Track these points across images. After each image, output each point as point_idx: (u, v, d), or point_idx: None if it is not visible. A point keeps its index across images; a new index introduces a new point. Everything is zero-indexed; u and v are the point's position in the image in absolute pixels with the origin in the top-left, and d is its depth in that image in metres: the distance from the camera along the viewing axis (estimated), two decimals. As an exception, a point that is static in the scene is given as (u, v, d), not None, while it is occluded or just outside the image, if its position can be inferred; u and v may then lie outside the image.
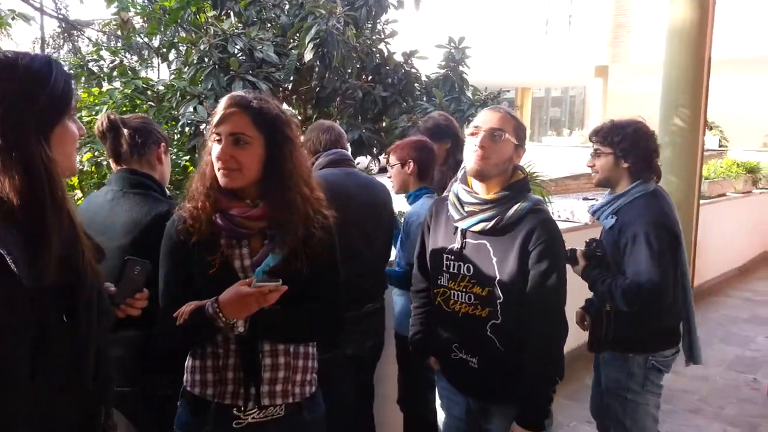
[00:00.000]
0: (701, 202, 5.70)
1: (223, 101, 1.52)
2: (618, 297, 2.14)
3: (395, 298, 2.66)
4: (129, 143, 1.90)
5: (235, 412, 1.51)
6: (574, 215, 4.05)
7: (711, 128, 13.33)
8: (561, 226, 3.68)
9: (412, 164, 2.61)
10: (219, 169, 1.49)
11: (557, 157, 12.10)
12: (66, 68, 1.20)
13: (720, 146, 13.89)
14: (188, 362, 1.58)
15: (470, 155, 1.75)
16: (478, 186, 1.79)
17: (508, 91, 19.87)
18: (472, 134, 1.76)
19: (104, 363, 1.22)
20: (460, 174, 3.23)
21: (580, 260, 2.29)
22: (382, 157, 4.05)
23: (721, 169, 7.71)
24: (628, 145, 2.26)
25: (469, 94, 4.44)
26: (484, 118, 1.78)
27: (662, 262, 2.11)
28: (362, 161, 6.11)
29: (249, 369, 1.50)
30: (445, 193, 2.08)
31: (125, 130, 1.91)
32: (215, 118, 1.50)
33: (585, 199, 4.42)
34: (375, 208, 2.46)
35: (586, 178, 9.14)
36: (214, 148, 1.49)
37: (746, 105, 16.34)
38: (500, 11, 15.39)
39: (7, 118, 1.03)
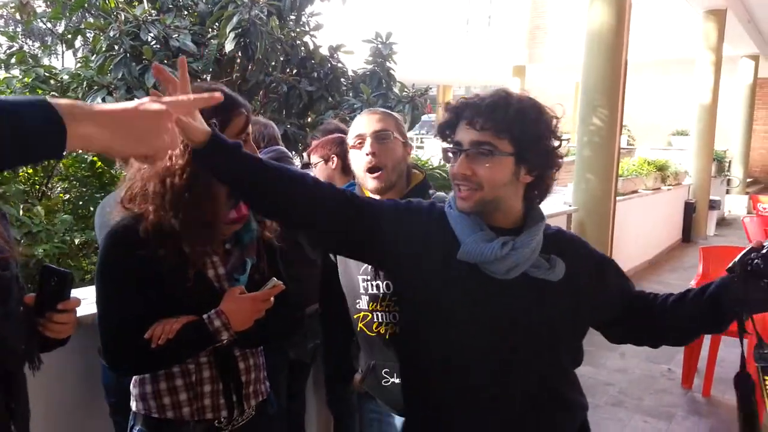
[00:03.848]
0: (617, 198, 5.94)
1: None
2: None
3: None
4: None
5: (216, 424, 1.42)
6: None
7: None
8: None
9: (335, 159, 2.58)
10: None
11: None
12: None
13: (628, 145, 14.61)
14: (145, 388, 1.39)
15: (362, 170, 1.56)
16: (377, 197, 1.60)
17: (431, 88, 20.08)
18: (357, 145, 1.58)
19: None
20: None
21: None
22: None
23: (633, 167, 8.07)
24: (527, 140, 1.39)
25: (396, 90, 4.37)
26: (364, 124, 1.60)
27: None
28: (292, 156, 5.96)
29: (228, 378, 1.42)
30: None
31: None
32: (243, 119, 1.36)
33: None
34: None
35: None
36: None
37: (651, 106, 17.30)
38: (423, 9, 15.50)
39: None
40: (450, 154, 1.28)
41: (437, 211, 1.35)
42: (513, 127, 1.22)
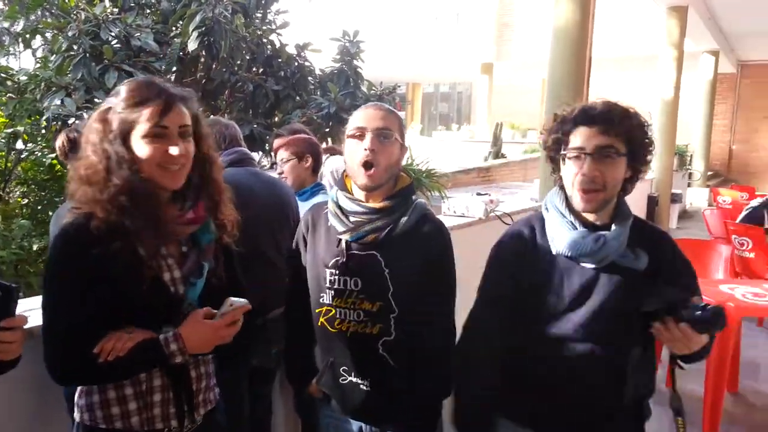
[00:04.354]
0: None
1: (147, 90, 1.30)
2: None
3: None
4: None
5: None
6: (469, 210, 4.08)
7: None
8: (457, 221, 3.75)
9: (309, 159, 2.57)
10: (164, 167, 1.29)
11: (447, 151, 12.39)
12: None
13: (595, 140, 14.83)
14: (92, 398, 1.35)
15: (357, 163, 1.53)
16: (361, 194, 1.59)
17: (400, 86, 20.12)
18: (356, 136, 1.54)
19: None
20: (327, 178, 3.18)
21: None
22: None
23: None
24: (640, 144, 1.46)
25: (364, 88, 4.37)
26: (368, 117, 1.55)
27: None
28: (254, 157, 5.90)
29: (179, 387, 1.38)
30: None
31: None
32: (148, 111, 1.27)
33: (478, 194, 4.49)
34: (280, 208, 2.32)
35: (476, 173, 9.43)
36: (152, 144, 1.27)
37: (614, 100, 17.58)
38: (391, 7, 15.50)
39: None
40: (568, 159, 1.43)
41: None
42: (629, 131, 1.42)
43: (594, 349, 1.45)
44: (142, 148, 1.28)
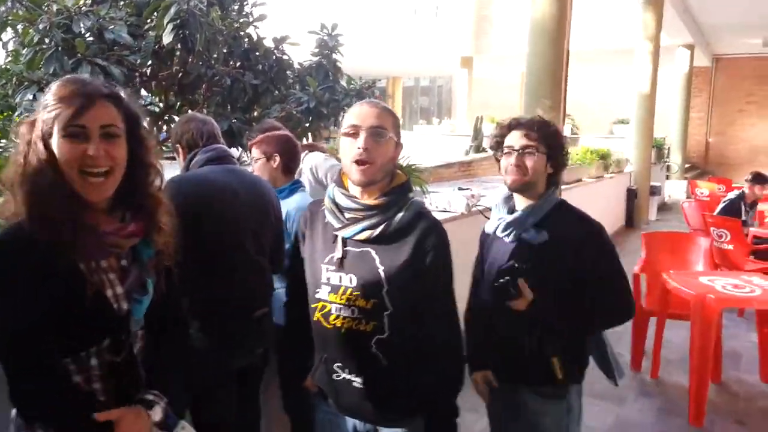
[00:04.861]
0: (561, 188, 6.06)
1: (67, 87, 1.23)
2: (611, 318, 1.98)
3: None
4: None
5: None
6: (451, 205, 4.07)
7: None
8: (439, 216, 3.73)
9: (278, 158, 2.53)
10: (85, 171, 1.20)
11: (428, 145, 12.38)
12: None
13: (572, 134, 14.96)
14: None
15: (350, 160, 1.55)
16: (357, 190, 1.60)
17: (380, 80, 20.08)
18: (351, 134, 1.55)
19: None
20: (306, 175, 3.14)
21: (525, 292, 1.83)
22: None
23: (577, 156, 8.25)
24: (558, 146, 1.95)
25: (343, 83, 4.32)
26: (362, 115, 1.56)
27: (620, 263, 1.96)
28: (232, 153, 5.84)
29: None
30: None
31: None
32: (66, 109, 1.20)
33: (460, 188, 4.48)
34: (262, 207, 2.26)
35: (457, 167, 9.42)
36: (68, 144, 1.19)
37: (593, 95, 17.75)
38: (370, 1, 15.42)
39: None
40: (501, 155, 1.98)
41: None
42: (549, 139, 1.93)
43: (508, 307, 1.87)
44: (58, 149, 1.20)
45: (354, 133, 1.55)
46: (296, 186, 2.62)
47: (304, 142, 3.93)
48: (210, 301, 2.04)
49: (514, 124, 1.96)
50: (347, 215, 1.59)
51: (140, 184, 1.32)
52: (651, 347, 4.15)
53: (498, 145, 2.00)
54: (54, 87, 1.24)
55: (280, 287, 2.46)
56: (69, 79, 1.28)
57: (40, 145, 1.20)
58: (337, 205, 1.62)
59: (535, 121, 1.97)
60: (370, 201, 1.58)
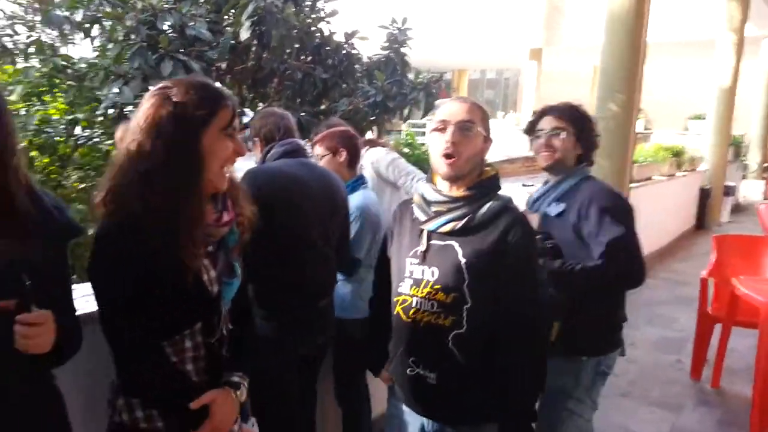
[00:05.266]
0: (630, 185, 5.91)
1: (203, 88, 1.34)
2: (598, 275, 2.02)
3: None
4: None
5: None
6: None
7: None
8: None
9: (344, 153, 2.60)
10: (223, 167, 1.35)
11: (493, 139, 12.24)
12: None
13: (645, 129, 14.44)
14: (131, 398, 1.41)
15: (438, 154, 1.60)
16: (444, 184, 1.65)
17: (446, 73, 19.95)
18: (439, 129, 1.61)
19: None
20: (368, 170, 3.22)
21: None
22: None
23: (649, 152, 7.99)
24: (584, 127, 2.17)
25: (411, 76, 4.37)
26: (451, 111, 1.62)
27: (633, 230, 2.07)
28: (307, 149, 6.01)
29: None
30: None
31: None
32: (221, 111, 1.33)
33: (524, 185, 4.45)
34: (332, 200, 2.36)
35: (521, 162, 9.28)
36: (227, 143, 1.33)
37: (669, 89, 17.05)
38: (437, -9, 15.33)
39: None
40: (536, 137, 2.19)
41: None
42: (577, 121, 2.16)
43: None
44: (218, 146, 1.31)
45: (442, 128, 1.61)
46: (359, 182, 2.69)
47: (366, 137, 4.00)
48: (280, 291, 2.15)
49: (546, 110, 2.19)
50: (433, 208, 1.64)
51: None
52: (713, 356, 4.01)
53: (531, 129, 2.21)
54: (193, 87, 1.32)
55: (339, 279, 2.55)
56: (204, 82, 1.38)
57: (189, 143, 1.28)
58: (425, 199, 1.67)
59: (566, 105, 2.18)
60: (457, 194, 1.62)
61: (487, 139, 1.66)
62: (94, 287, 1.35)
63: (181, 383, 1.39)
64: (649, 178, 7.52)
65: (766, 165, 13.92)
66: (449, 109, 1.63)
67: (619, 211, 2.06)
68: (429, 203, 1.66)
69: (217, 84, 1.44)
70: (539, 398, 1.65)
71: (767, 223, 6.56)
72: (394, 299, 1.71)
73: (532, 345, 1.62)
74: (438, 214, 1.62)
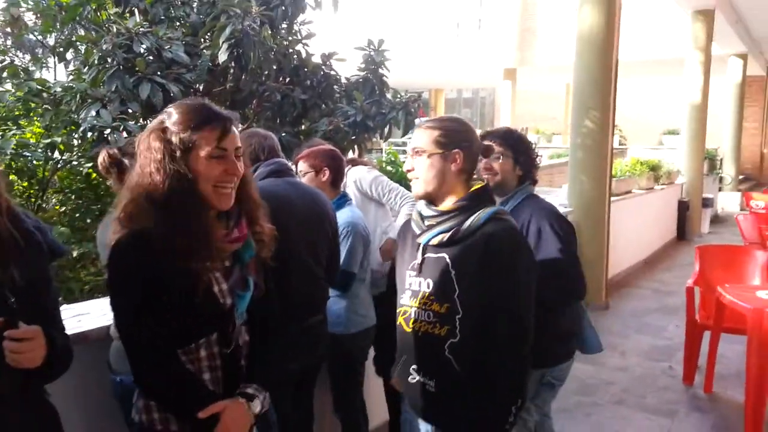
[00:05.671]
0: (611, 199, 5.97)
1: (195, 111, 1.39)
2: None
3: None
4: None
5: None
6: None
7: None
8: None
9: (327, 172, 2.60)
10: (219, 187, 1.38)
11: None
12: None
13: (620, 145, 14.68)
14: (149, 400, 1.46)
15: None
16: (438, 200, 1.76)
17: (423, 92, 20.10)
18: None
19: None
20: (351, 189, 3.28)
21: None
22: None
23: (627, 167, 8.10)
24: (521, 150, 2.30)
25: (389, 96, 4.38)
26: (412, 137, 1.76)
27: (571, 247, 2.16)
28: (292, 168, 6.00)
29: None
30: None
31: (126, 161, 1.90)
32: (210, 133, 1.37)
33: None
34: (319, 218, 2.36)
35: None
36: (214, 164, 1.37)
37: (642, 106, 17.40)
38: (413, 14, 15.53)
39: None
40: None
41: None
42: (513, 145, 2.28)
43: None
44: (204, 167, 1.36)
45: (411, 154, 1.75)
46: (343, 200, 2.69)
47: (349, 156, 4.00)
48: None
49: (485, 136, 2.30)
50: (426, 223, 1.72)
51: (241, 194, 1.47)
52: (704, 362, 4.04)
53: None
54: (185, 111, 1.40)
55: (332, 295, 2.52)
56: (198, 104, 1.43)
57: (182, 163, 1.36)
58: (420, 214, 1.76)
59: (503, 131, 2.35)
60: (445, 207, 1.70)
61: (448, 153, 1.68)
62: (111, 295, 1.41)
63: (195, 391, 1.41)
64: (629, 192, 7.61)
65: (741, 177, 14.20)
66: (413, 135, 1.77)
67: (557, 228, 2.15)
68: (423, 218, 1.74)
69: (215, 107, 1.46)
70: (518, 406, 1.61)
71: (746, 233, 6.66)
72: (398, 310, 1.80)
73: (517, 344, 1.61)
74: (430, 227, 1.70)
